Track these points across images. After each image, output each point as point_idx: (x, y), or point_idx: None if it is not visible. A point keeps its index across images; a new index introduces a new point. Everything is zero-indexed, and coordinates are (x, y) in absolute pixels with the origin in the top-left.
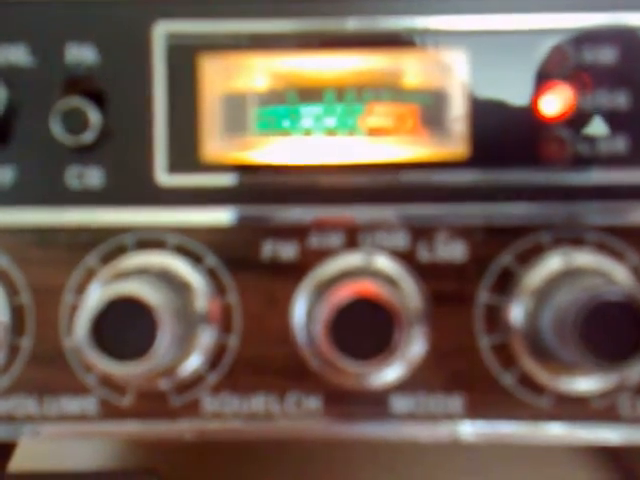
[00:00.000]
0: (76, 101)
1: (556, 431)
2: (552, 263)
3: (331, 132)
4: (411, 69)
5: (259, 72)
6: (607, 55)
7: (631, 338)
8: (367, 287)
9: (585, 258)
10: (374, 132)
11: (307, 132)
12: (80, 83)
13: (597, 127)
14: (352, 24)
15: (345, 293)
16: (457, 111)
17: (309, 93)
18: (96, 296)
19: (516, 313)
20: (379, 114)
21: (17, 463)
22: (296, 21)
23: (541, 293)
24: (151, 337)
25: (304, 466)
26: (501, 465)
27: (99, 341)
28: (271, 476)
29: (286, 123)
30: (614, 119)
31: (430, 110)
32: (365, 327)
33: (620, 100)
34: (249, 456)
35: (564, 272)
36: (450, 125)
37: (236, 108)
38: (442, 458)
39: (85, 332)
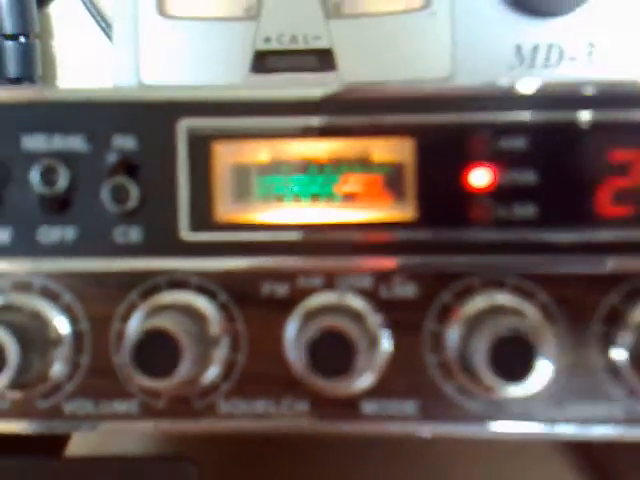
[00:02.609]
0: (120, 179)
1: (487, 429)
2: (479, 301)
3: (314, 197)
4: (376, 149)
5: (260, 151)
6: (519, 143)
7: (523, 361)
8: (333, 322)
9: (504, 298)
10: (347, 197)
11: (296, 197)
12: (123, 165)
13: (512, 197)
14: (331, 120)
15: (317, 327)
16: (409, 182)
17: (298, 167)
18: (136, 327)
19: (452, 339)
20: (351, 182)
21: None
22: (289, 118)
23: (470, 324)
24: (175, 360)
25: (331, 456)
26: (473, 463)
27: (138, 362)
28: (297, 464)
29: (280, 190)
30: (525, 191)
31: (391, 180)
32: (332, 353)
33: (529, 177)
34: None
35: (488, 309)
36: (405, 192)
37: (242, 178)
38: (431, 457)
39: (127, 355)
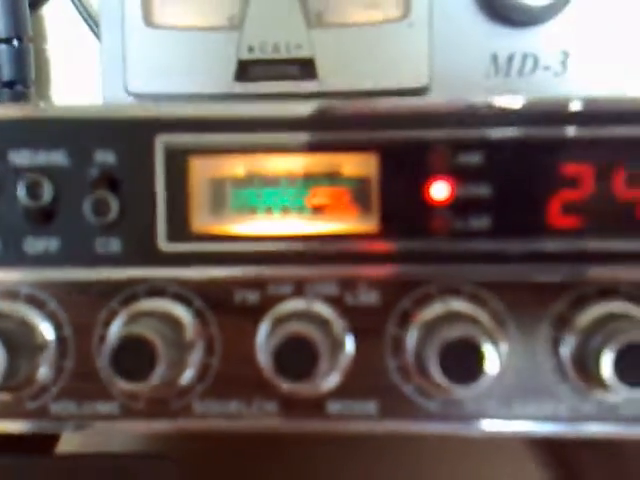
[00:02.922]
0: (101, 192)
1: (444, 427)
2: (436, 308)
3: (285, 209)
4: (344, 164)
5: (236, 166)
6: (475, 158)
7: (470, 365)
8: (298, 328)
9: (460, 305)
10: (316, 209)
11: (268, 209)
12: (104, 179)
13: (469, 209)
14: (302, 137)
15: (283, 333)
16: (374, 195)
17: (271, 181)
18: (115, 334)
19: (410, 343)
20: (320, 196)
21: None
22: (264, 134)
23: (427, 329)
24: (152, 364)
25: (310, 456)
26: (445, 461)
27: (116, 367)
28: (275, 461)
29: (254, 202)
30: (480, 204)
31: (358, 193)
32: (296, 357)
33: (484, 190)
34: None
35: (444, 315)
36: (370, 205)
37: (217, 191)
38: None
39: (107, 360)
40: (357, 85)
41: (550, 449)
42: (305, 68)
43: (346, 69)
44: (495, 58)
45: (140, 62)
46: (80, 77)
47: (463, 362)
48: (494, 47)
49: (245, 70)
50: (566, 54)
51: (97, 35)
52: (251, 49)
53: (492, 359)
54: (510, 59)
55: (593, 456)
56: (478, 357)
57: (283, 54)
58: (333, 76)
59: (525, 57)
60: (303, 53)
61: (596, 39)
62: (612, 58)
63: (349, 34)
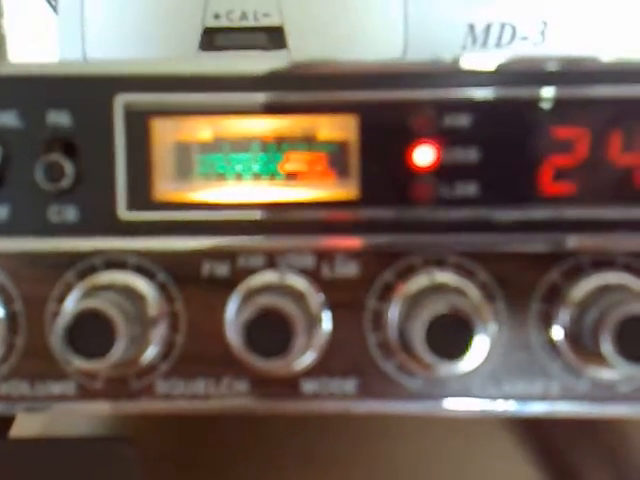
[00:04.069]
0: (55, 156)
1: (426, 407)
2: (420, 279)
3: (256, 176)
4: (321, 127)
5: (201, 129)
6: (462, 120)
7: (459, 340)
8: (271, 302)
9: (445, 276)
10: (290, 176)
11: (238, 176)
12: (58, 141)
13: (455, 175)
14: (275, 96)
15: (255, 307)
16: (353, 160)
17: (240, 145)
18: (69, 309)
19: (392, 317)
20: (294, 161)
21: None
22: (231, 94)
23: (410, 303)
24: (110, 341)
25: (273, 434)
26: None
27: (70, 344)
28: (240, 443)
29: (222, 168)
30: (467, 170)
31: (335, 158)
32: (269, 333)
33: (472, 155)
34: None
35: (429, 287)
36: (349, 171)
37: (182, 157)
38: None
39: (60, 337)
40: (328, 56)
41: (544, 449)
42: (274, 37)
43: (316, 39)
44: (472, 28)
45: (99, 29)
46: (37, 52)
47: (451, 337)
48: (471, 16)
49: (211, 39)
50: (545, 24)
51: (52, 5)
52: (217, 16)
53: (482, 334)
54: (487, 29)
55: (589, 457)
56: (468, 331)
57: (251, 22)
58: (303, 46)
59: (503, 27)
60: (272, 21)
61: (574, 8)
62: (591, 28)
63: (320, 2)
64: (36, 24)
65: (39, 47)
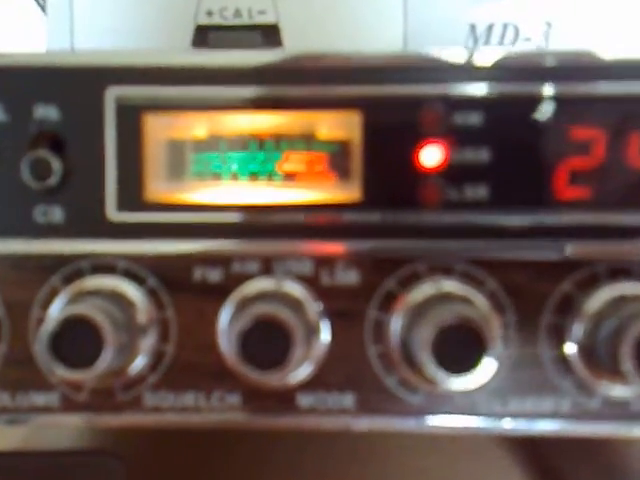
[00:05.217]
0: (42, 152)
1: (427, 423)
2: (426, 288)
3: (253, 176)
4: (321, 125)
5: (196, 125)
6: (473, 119)
7: (469, 353)
8: (268, 310)
9: (452, 285)
10: (289, 176)
11: (234, 176)
12: (45, 137)
13: (464, 177)
14: (273, 91)
15: (250, 315)
16: (355, 160)
17: (237, 143)
18: (54, 315)
19: (395, 328)
20: (293, 161)
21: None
22: (228, 88)
23: (414, 313)
24: (97, 350)
25: (267, 453)
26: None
27: (55, 352)
28: (228, 458)
29: (217, 167)
30: (477, 171)
31: (336, 158)
32: (266, 343)
33: (482, 156)
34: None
35: (434, 296)
36: (350, 172)
37: (175, 155)
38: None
39: (44, 345)
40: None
41: (530, 452)
42: (269, 35)
43: (312, 37)
44: (473, 28)
45: (89, 23)
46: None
47: (461, 350)
48: (473, 16)
49: (203, 36)
50: (549, 25)
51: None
52: (210, 13)
53: (491, 347)
54: (489, 29)
55: (576, 458)
56: (478, 344)
57: (245, 20)
58: (299, 44)
59: (505, 27)
60: (267, 19)
61: (579, 9)
62: (594, 29)
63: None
64: (23, 17)
65: (26, 40)
